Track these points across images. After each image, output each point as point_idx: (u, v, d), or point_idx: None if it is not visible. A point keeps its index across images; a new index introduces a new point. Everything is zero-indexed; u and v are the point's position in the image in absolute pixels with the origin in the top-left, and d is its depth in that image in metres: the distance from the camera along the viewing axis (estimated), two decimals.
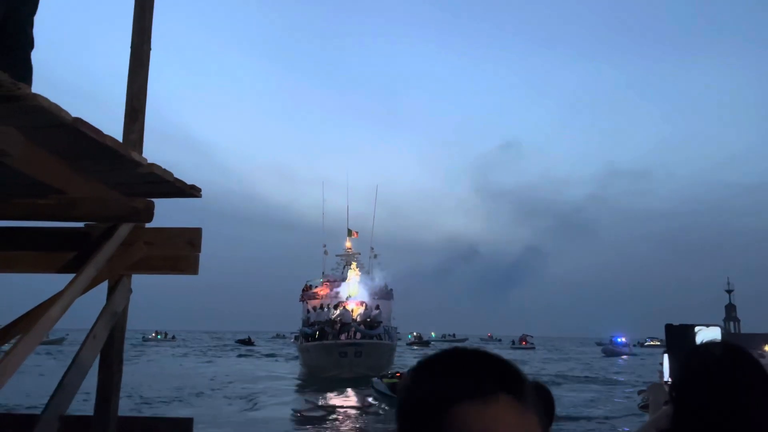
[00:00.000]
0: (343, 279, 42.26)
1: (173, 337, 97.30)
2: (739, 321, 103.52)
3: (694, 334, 1.74)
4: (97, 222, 3.76)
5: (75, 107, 2.78)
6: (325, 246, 46.76)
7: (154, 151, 4.43)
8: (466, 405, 0.68)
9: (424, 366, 0.76)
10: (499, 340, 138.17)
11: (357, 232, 45.93)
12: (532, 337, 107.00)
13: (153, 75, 4.65)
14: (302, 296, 43.22)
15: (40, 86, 3.19)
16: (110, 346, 4.12)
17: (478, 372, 0.70)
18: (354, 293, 39.38)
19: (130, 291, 4.34)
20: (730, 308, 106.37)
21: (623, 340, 78.69)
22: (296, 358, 44.54)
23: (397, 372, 24.41)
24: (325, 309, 38.54)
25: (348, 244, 46.73)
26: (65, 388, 3.52)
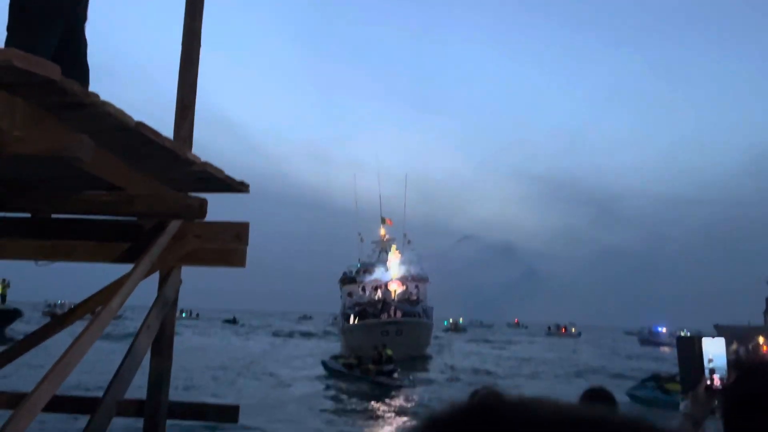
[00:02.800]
0: (379, 264, 43.39)
1: (197, 315, 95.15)
2: None
3: (700, 345, 1.75)
4: (154, 217, 3.92)
5: (134, 107, 2.91)
6: (360, 234, 48.31)
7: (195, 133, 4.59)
8: None
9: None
10: (526, 327, 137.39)
11: (391, 220, 46.96)
12: (574, 324, 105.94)
13: None
14: (342, 281, 44.74)
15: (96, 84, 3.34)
16: (162, 334, 4.31)
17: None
18: (395, 275, 40.49)
19: (181, 282, 4.51)
20: None
21: (663, 330, 77.15)
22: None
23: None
24: (367, 291, 40.26)
25: (382, 231, 47.66)
26: (122, 376, 3.71)
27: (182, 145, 4.07)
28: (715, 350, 1.74)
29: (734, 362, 1.61)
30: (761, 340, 44.89)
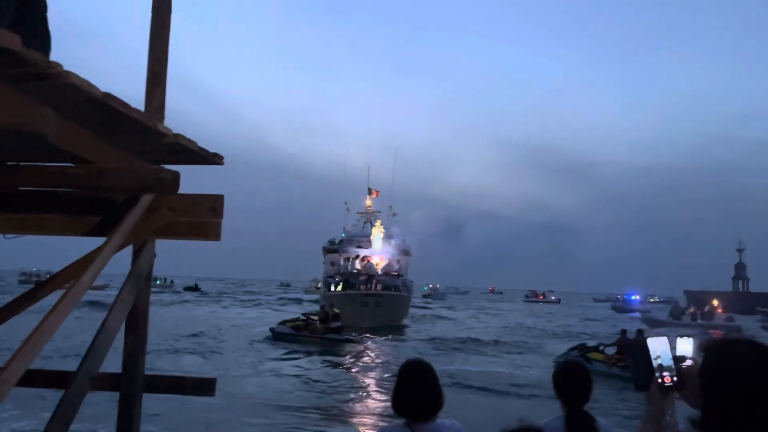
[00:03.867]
0: (365, 236, 44.66)
1: (171, 283, 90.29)
2: (748, 280, 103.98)
3: (646, 344, 1.79)
4: (123, 192, 3.83)
5: (102, 79, 2.81)
6: (347, 203, 49.25)
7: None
8: None
9: None
10: (501, 293, 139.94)
11: (377, 192, 47.56)
12: (552, 292, 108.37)
13: None
14: (326, 250, 45.67)
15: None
16: (137, 308, 4.26)
17: None
18: (378, 248, 41.78)
19: (154, 255, 4.45)
20: (740, 267, 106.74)
21: (637, 297, 78.74)
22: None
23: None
24: (350, 262, 41.35)
25: (368, 202, 49.06)
26: (95, 350, 3.66)
27: (153, 116, 3.96)
28: (660, 348, 1.76)
29: (704, 345, 1.61)
30: (715, 302, 47.21)
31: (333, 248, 44.96)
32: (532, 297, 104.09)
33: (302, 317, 26.40)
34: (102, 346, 3.72)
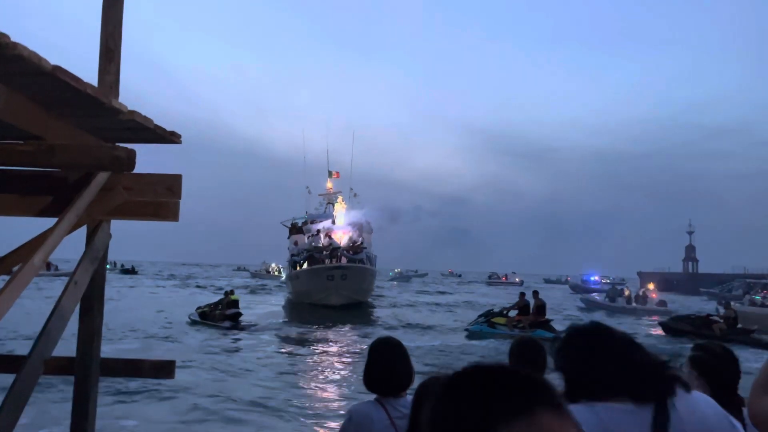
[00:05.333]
0: (327, 217, 44.77)
1: (122, 267, 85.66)
2: (697, 261, 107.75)
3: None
4: (78, 169, 3.71)
5: (52, 51, 2.71)
6: (308, 187, 49.49)
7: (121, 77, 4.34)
8: (513, 425, 0.69)
9: (460, 386, 0.76)
10: (459, 276, 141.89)
11: (338, 173, 47.96)
12: (514, 273, 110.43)
13: None
14: (290, 231, 45.87)
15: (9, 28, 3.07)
16: (91, 290, 4.15)
17: (519, 390, 0.72)
18: (340, 223, 42.18)
19: (110, 236, 4.33)
20: (690, 249, 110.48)
21: (596, 278, 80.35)
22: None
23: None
24: (314, 239, 41.37)
25: (329, 184, 49.07)
26: (48, 333, 3.56)
27: (107, 91, 3.83)
28: None
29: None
30: (651, 286, 48.92)
31: (296, 228, 45.04)
32: (494, 278, 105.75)
33: (208, 305, 25.66)
34: (55, 329, 3.61)
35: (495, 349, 17.82)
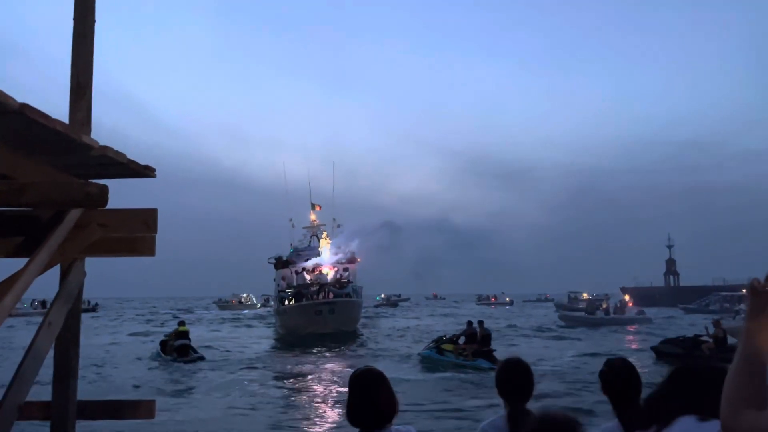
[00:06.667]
0: (312, 249, 46.07)
1: (95, 306, 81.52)
2: (678, 275, 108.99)
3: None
4: (49, 208, 3.64)
5: (20, 89, 2.67)
6: (291, 220, 50.38)
7: (94, 113, 4.28)
8: None
9: None
10: (444, 299, 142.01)
11: (320, 206, 48.56)
12: (504, 294, 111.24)
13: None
14: (276, 266, 46.31)
15: None
16: (66, 330, 4.05)
17: None
18: (326, 259, 43.37)
19: (85, 274, 4.25)
20: (671, 263, 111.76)
21: (584, 296, 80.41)
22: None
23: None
24: (301, 275, 42.60)
25: (312, 216, 49.71)
26: (22, 376, 3.46)
27: (78, 128, 3.79)
28: None
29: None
30: (626, 297, 50.31)
31: (283, 263, 45.66)
32: (484, 300, 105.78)
33: (165, 337, 25.77)
34: (29, 372, 3.51)
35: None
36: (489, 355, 20.04)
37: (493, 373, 3.29)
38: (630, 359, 3.10)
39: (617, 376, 2.87)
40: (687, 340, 23.39)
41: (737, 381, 1.20)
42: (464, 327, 22.30)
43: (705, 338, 23.11)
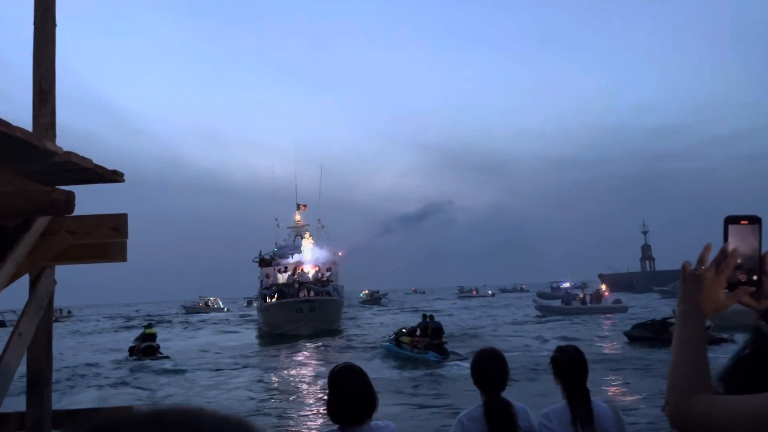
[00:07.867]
0: (296, 248, 46.62)
1: (69, 313, 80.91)
2: (653, 260, 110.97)
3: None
4: (15, 216, 3.58)
5: None
6: (276, 220, 51.59)
7: (64, 118, 4.20)
8: None
9: None
10: (423, 293, 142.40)
11: (305, 206, 49.11)
12: (486, 286, 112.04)
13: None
14: (260, 264, 47.43)
15: None
16: (37, 340, 3.99)
17: None
18: (309, 258, 44.13)
19: (55, 283, 4.19)
20: (646, 248, 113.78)
21: (567, 285, 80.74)
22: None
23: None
24: (284, 273, 43.40)
25: (298, 217, 50.89)
26: None
27: (42, 134, 3.73)
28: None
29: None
30: (603, 286, 50.61)
31: (266, 262, 46.50)
32: (466, 292, 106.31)
33: (133, 343, 26.43)
34: (0, 384, 3.45)
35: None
36: (440, 347, 21.21)
37: (442, 365, 3.36)
38: (603, 344, 3.20)
39: (569, 362, 3.10)
40: (656, 323, 24.29)
41: (685, 365, 1.18)
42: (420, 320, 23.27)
43: (673, 320, 23.77)
